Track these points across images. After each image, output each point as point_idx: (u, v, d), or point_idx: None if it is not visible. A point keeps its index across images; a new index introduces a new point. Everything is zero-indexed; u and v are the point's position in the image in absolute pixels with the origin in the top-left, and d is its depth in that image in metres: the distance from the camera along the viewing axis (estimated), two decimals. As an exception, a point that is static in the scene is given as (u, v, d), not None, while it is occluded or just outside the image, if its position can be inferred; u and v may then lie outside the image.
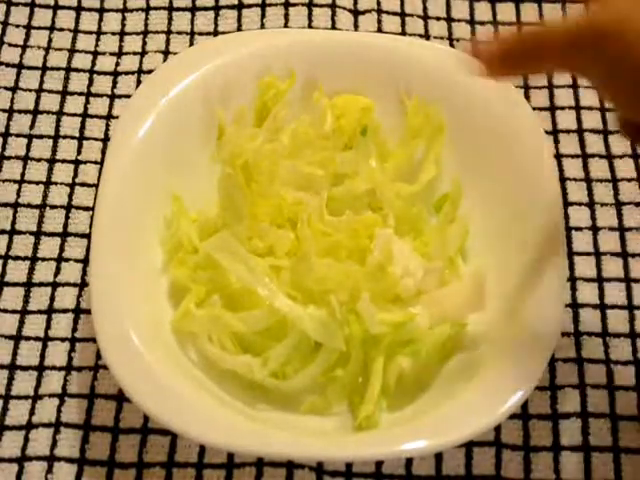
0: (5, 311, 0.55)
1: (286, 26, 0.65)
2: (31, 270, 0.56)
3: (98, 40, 0.65)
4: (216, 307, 0.51)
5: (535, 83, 0.64)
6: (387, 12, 0.66)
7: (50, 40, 0.65)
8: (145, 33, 0.65)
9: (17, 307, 0.55)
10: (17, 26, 0.65)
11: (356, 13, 0.66)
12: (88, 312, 0.54)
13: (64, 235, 0.58)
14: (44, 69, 0.63)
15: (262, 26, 0.65)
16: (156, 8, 0.66)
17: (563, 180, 0.60)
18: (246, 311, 0.51)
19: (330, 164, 0.55)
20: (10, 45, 0.64)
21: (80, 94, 0.63)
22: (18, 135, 0.61)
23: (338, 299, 0.49)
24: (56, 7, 0.66)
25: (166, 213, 0.54)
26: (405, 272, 0.51)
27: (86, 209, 0.58)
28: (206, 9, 0.66)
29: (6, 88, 0.63)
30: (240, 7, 0.66)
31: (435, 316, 0.51)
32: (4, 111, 0.62)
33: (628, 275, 0.57)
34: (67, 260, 0.57)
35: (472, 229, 0.55)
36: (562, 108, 0.63)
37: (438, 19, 0.66)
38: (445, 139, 0.56)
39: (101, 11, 0.66)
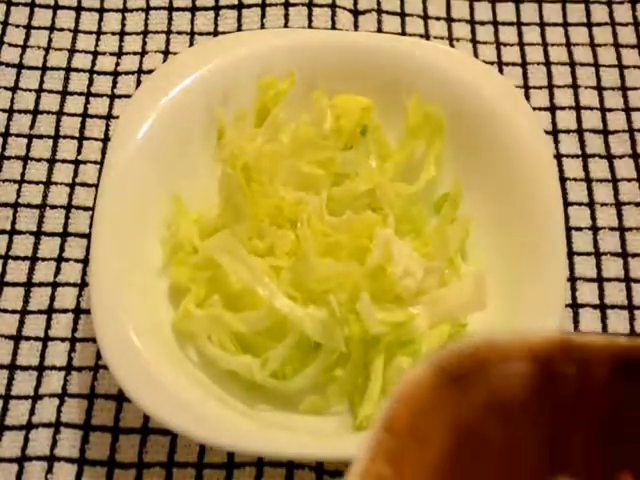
0: (5, 311, 0.55)
1: (286, 26, 0.65)
2: (31, 270, 0.56)
3: (98, 40, 0.65)
4: (216, 307, 0.51)
5: (535, 83, 0.64)
6: (387, 12, 0.66)
7: (50, 40, 0.65)
8: (145, 33, 0.65)
9: (17, 307, 0.55)
10: (17, 26, 0.65)
11: (356, 13, 0.66)
12: (88, 312, 0.54)
13: (64, 235, 0.57)
14: (44, 69, 0.63)
15: (262, 26, 0.65)
16: (156, 8, 0.66)
17: (563, 180, 0.60)
18: (246, 311, 0.51)
19: (330, 164, 0.55)
20: (10, 45, 0.64)
21: (80, 94, 0.63)
22: (18, 135, 0.61)
23: (338, 299, 0.49)
24: (56, 7, 0.66)
25: (166, 213, 0.54)
26: (405, 272, 0.51)
27: (86, 209, 0.58)
28: (206, 9, 0.66)
29: (6, 88, 0.63)
30: (240, 7, 0.66)
31: (435, 316, 0.51)
32: (4, 111, 0.62)
33: (628, 275, 0.57)
34: (67, 260, 0.57)
35: (472, 229, 0.55)
36: (562, 108, 0.63)
37: (438, 19, 0.66)
38: (445, 139, 0.56)
39: (101, 11, 0.66)
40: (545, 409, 0.33)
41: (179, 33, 0.65)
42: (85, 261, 0.56)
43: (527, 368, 0.33)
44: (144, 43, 0.65)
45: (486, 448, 0.34)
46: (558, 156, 0.61)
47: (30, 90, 0.62)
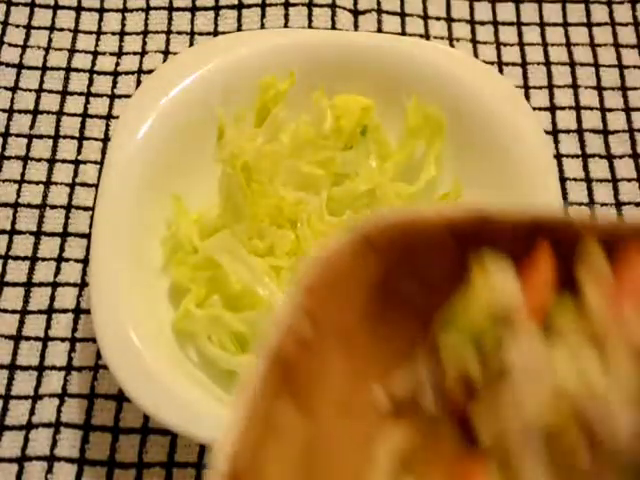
0: (5, 311, 0.55)
1: (286, 26, 0.65)
2: (31, 270, 0.56)
3: (98, 40, 0.65)
4: (216, 307, 0.51)
5: (535, 83, 0.64)
6: (387, 12, 0.66)
7: (50, 40, 0.65)
8: (145, 33, 0.65)
9: (17, 307, 0.55)
10: (17, 26, 0.65)
11: (356, 13, 0.66)
12: (88, 312, 0.54)
13: (64, 235, 0.57)
14: (44, 69, 0.63)
15: (262, 26, 0.65)
16: (156, 8, 0.66)
17: (563, 180, 0.60)
18: (246, 311, 0.51)
19: (330, 164, 0.55)
20: (10, 45, 0.64)
21: (80, 94, 0.63)
22: (18, 135, 0.61)
23: (338, 299, 0.49)
24: (56, 7, 0.66)
25: (166, 213, 0.54)
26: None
27: (86, 209, 0.58)
28: (206, 9, 0.66)
29: (6, 88, 0.63)
30: (240, 7, 0.66)
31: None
32: (4, 111, 0.62)
33: (628, 275, 0.57)
34: (67, 260, 0.57)
35: (472, 229, 0.55)
36: (562, 108, 0.63)
37: (438, 19, 0.66)
38: (445, 139, 0.56)
39: (101, 11, 0.66)
40: (462, 275, 0.34)
41: (179, 33, 0.65)
42: (85, 261, 0.56)
43: (446, 239, 0.33)
44: (144, 43, 0.65)
45: (404, 310, 0.34)
46: (558, 156, 0.61)
47: (30, 90, 0.63)
